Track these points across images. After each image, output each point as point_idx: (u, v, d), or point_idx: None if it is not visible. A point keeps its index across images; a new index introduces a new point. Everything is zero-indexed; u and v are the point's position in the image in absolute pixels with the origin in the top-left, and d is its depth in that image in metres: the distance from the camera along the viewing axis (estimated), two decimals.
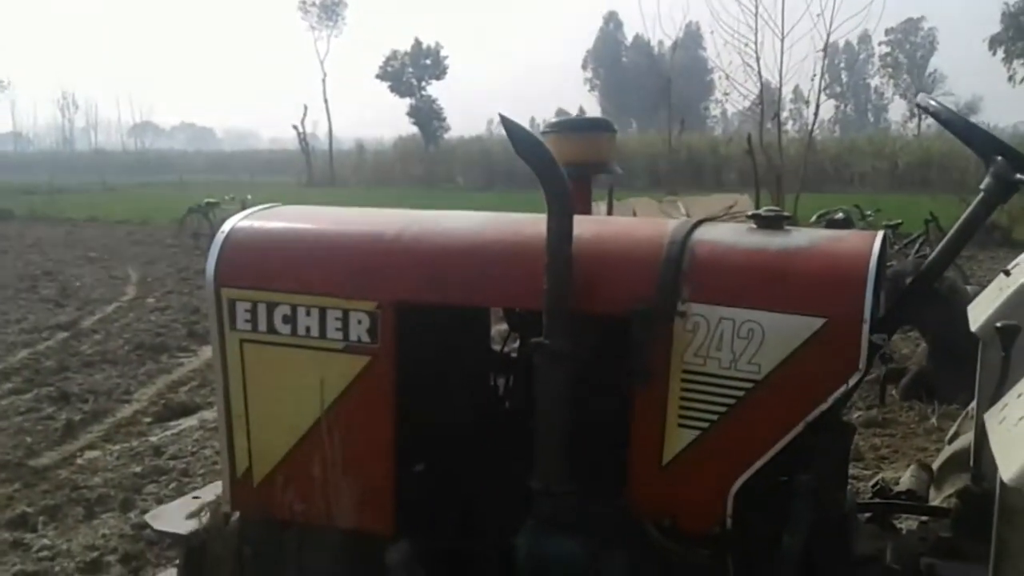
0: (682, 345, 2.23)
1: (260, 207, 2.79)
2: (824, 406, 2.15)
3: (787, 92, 25.11)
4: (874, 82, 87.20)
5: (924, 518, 2.50)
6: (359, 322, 2.46)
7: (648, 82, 60.65)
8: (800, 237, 2.31)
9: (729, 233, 2.35)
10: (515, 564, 2.38)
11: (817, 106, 20.80)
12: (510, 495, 2.52)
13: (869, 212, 15.47)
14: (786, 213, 2.38)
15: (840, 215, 2.81)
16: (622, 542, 2.32)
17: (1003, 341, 2.43)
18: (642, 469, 2.30)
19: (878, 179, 39.65)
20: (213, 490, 3.21)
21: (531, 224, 2.46)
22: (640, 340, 2.24)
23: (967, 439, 2.93)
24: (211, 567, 2.80)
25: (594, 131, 3.17)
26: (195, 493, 3.20)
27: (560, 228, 2.20)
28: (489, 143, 49.79)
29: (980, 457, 2.44)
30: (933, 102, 2.42)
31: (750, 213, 2.41)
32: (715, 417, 2.22)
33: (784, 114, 23.08)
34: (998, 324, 2.45)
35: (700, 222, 2.41)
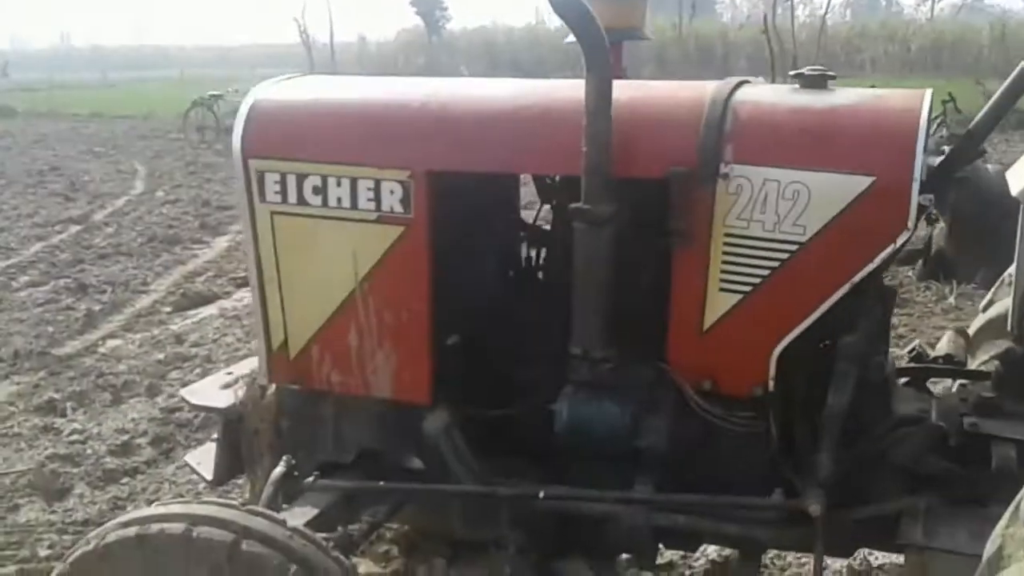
0: (724, 208, 2.19)
1: (283, 76, 2.71)
2: (871, 267, 2.13)
3: None
4: None
5: (963, 381, 2.49)
6: (391, 192, 2.42)
7: None
8: (845, 96, 2.24)
9: (772, 93, 2.29)
10: (554, 428, 2.40)
11: None
12: (545, 362, 2.53)
13: None
14: (830, 72, 2.31)
15: None
16: (662, 405, 2.33)
17: None
18: (683, 334, 2.29)
19: (890, 64, 38.82)
20: (247, 365, 3.25)
21: (566, 88, 2.39)
22: (680, 203, 2.20)
23: (1004, 305, 2.91)
24: (249, 439, 2.83)
25: None
26: (227, 369, 3.22)
27: (599, 87, 2.14)
28: (493, 33, 48.76)
29: (1022, 321, 2.42)
30: None
31: (792, 73, 2.34)
32: (758, 280, 2.20)
33: None
34: None
35: (741, 83, 2.34)
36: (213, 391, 2.97)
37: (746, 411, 2.27)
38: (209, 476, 2.90)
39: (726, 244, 2.21)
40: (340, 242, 2.50)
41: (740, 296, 2.22)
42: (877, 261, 2.12)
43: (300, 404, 2.77)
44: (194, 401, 2.96)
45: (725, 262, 2.22)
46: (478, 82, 2.65)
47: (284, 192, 2.52)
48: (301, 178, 2.50)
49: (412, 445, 2.68)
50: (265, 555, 2.01)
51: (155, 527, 2.05)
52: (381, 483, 2.58)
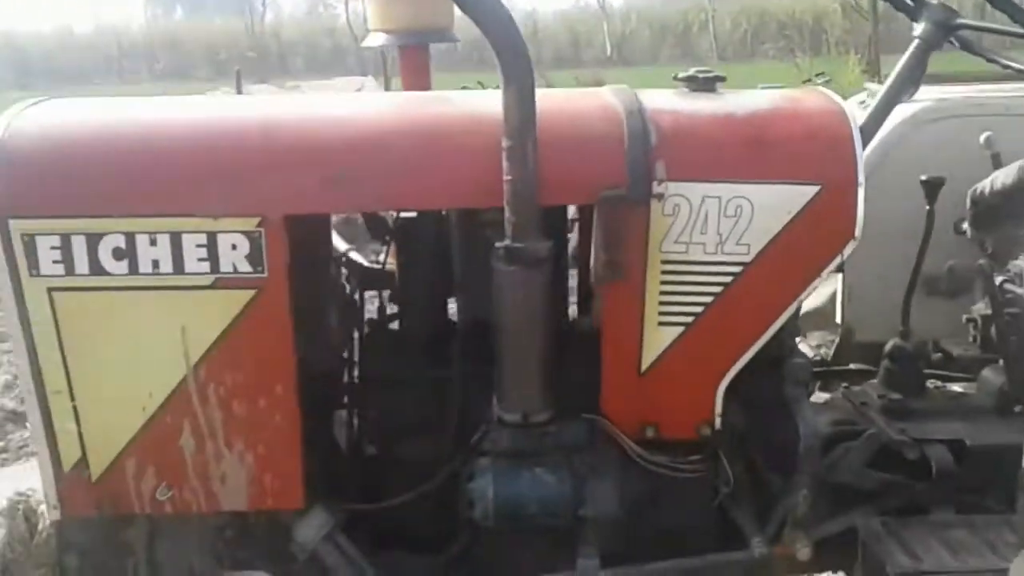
0: (660, 232, 1.91)
1: (31, 102, 1.99)
2: (818, 281, 1.97)
3: None
4: None
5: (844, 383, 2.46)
6: (233, 247, 1.85)
7: None
8: (753, 99, 2.05)
9: (676, 100, 2.03)
10: (471, 511, 2.00)
11: None
12: (436, 433, 2.11)
13: None
14: (720, 74, 2.11)
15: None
16: (602, 464, 2.02)
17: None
18: (619, 378, 1.99)
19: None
20: None
21: (457, 104, 1.99)
22: (612, 230, 1.89)
23: (818, 298, 2.96)
24: None
25: None
26: None
27: (523, 104, 1.76)
28: (14, 36, 43.27)
29: (905, 316, 2.42)
30: None
31: (681, 76, 2.11)
32: (700, 310, 1.96)
33: None
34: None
35: (634, 91, 2.07)
36: None
37: (693, 455, 2.02)
38: None
39: (664, 272, 1.93)
40: (160, 319, 1.89)
41: (681, 329, 1.96)
42: (824, 275, 1.96)
43: (95, 534, 2.10)
44: None
45: (663, 292, 1.94)
46: (327, 100, 2.13)
47: (69, 260, 1.85)
48: (95, 240, 1.84)
49: (269, 559, 2.13)
50: None
51: None
52: None
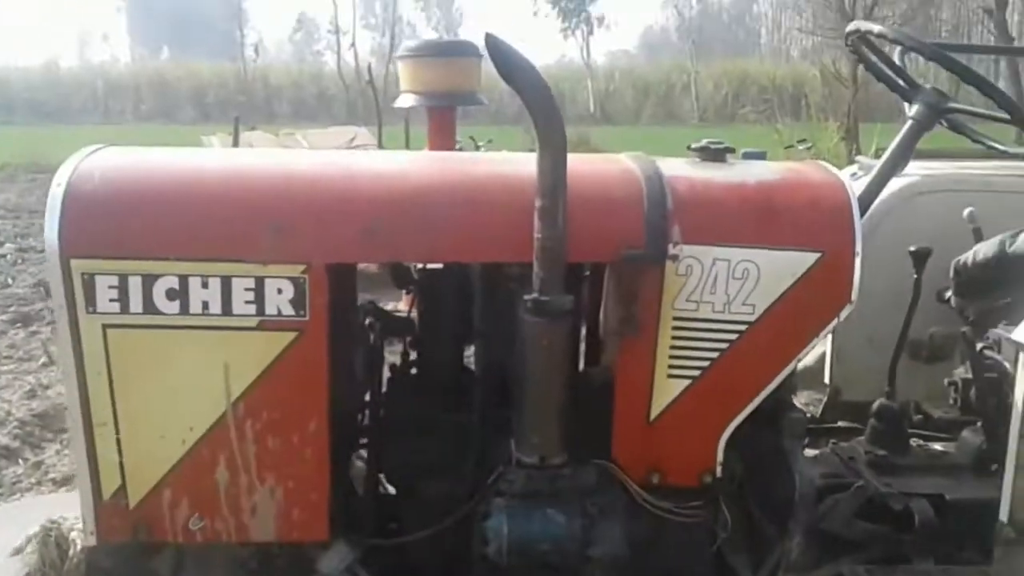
0: (674, 290, 2.07)
1: (90, 149, 2.13)
2: (816, 341, 2.13)
3: None
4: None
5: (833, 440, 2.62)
6: (279, 291, 1.99)
7: None
8: (760, 169, 2.23)
9: (691, 168, 2.21)
10: (484, 548, 2.12)
11: None
12: (453, 475, 2.24)
13: None
14: (730, 146, 2.29)
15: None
16: (610, 507, 2.15)
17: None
18: (628, 426, 2.13)
19: None
20: (5, 517, 2.54)
21: (489, 164, 2.15)
22: (629, 288, 2.05)
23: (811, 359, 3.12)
24: None
25: (460, 55, 2.82)
26: None
27: (555, 167, 1.92)
28: (2, 70, 43.07)
29: (892, 378, 2.58)
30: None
31: (693, 146, 2.29)
32: (707, 364, 2.11)
33: None
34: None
35: (652, 158, 2.24)
36: None
37: (695, 500, 2.17)
38: None
39: (675, 328, 2.09)
40: (206, 357, 2.02)
41: (689, 381, 2.12)
42: (822, 335, 2.13)
43: (124, 561, 2.20)
44: None
45: (674, 347, 2.10)
46: (367, 156, 2.29)
47: (124, 299, 1.98)
48: (150, 281, 1.97)
49: None
50: None
51: None
52: None
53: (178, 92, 40.24)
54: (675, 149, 2.38)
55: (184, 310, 1.99)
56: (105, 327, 1.99)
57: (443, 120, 2.68)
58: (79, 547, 2.21)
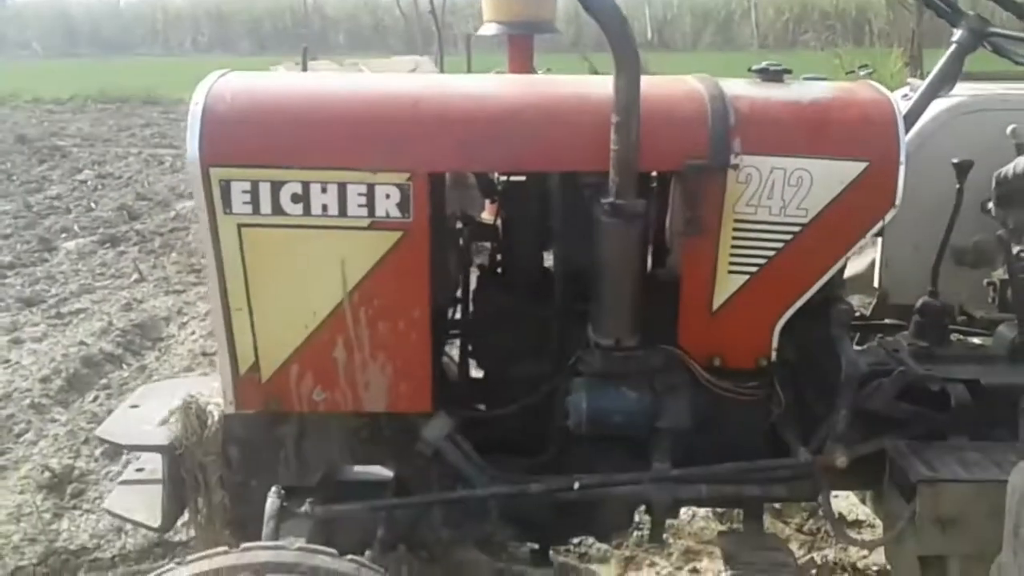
0: (735, 196, 2.33)
1: (220, 72, 2.43)
2: (863, 241, 2.38)
3: None
4: None
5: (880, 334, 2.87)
6: (387, 196, 2.29)
7: None
8: (815, 89, 2.46)
9: (751, 88, 2.45)
10: (567, 420, 2.43)
11: None
12: (538, 357, 2.55)
13: None
14: (787, 67, 2.52)
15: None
16: (675, 386, 2.44)
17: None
18: (693, 316, 2.41)
19: None
20: (150, 395, 2.92)
21: (568, 85, 2.40)
22: (694, 194, 2.31)
23: (860, 264, 3.36)
24: (194, 474, 2.56)
25: None
26: (130, 401, 2.86)
27: (630, 86, 2.17)
28: (66, 5, 43.86)
29: (935, 277, 2.82)
30: None
31: (753, 68, 2.52)
32: (763, 261, 2.37)
33: None
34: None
35: (715, 79, 2.48)
36: (138, 428, 2.63)
37: (752, 381, 2.45)
38: (154, 522, 2.57)
39: (735, 229, 2.35)
40: (325, 253, 2.33)
41: (747, 276, 2.38)
42: (868, 236, 2.38)
43: (254, 429, 2.55)
44: (123, 442, 2.60)
45: (734, 246, 2.36)
46: (460, 79, 2.57)
47: (255, 202, 2.29)
48: (277, 186, 2.28)
49: (395, 456, 2.59)
50: None
51: None
52: (395, 500, 2.47)
53: (235, 23, 40.53)
54: (734, 74, 2.61)
55: (306, 211, 2.29)
56: (240, 226, 2.30)
57: (523, 47, 2.92)
58: (216, 417, 2.55)
